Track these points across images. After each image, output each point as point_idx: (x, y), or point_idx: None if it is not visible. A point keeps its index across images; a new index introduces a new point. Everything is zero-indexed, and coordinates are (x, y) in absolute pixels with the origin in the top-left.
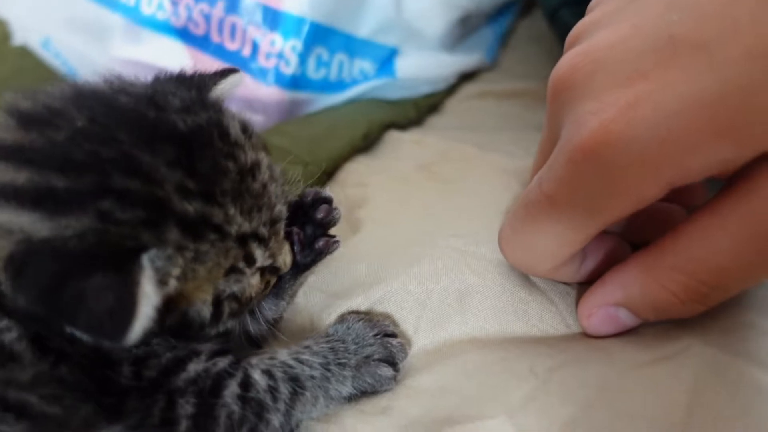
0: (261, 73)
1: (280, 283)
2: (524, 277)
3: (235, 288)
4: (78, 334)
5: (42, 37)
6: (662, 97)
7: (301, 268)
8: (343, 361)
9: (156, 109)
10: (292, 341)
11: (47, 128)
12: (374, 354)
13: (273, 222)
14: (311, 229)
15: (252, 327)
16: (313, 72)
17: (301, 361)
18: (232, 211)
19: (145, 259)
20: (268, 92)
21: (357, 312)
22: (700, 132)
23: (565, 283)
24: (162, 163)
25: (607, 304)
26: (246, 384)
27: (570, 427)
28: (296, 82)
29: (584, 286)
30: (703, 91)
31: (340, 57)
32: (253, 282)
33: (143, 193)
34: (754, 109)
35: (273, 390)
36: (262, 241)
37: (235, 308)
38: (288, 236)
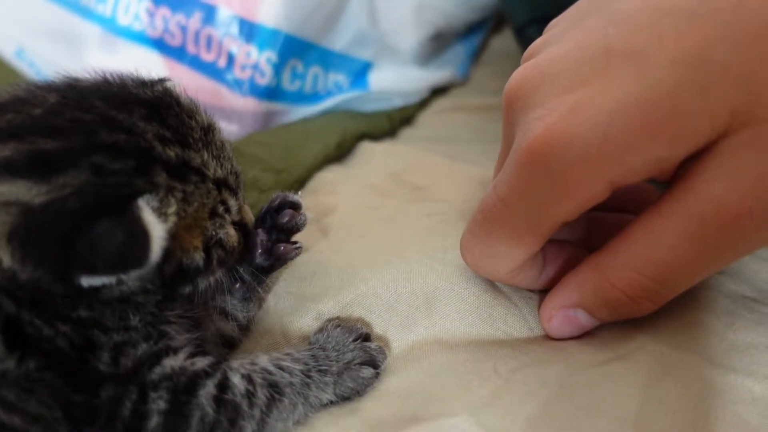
0: (236, 84)
1: (245, 284)
2: (489, 282)
3: (221, 234)
4: (104, 282)
5: (16, 47)
6: (600, 101)
7: (262, 270)
8: (324, 368)
9: (117, 86)
10: (262, 341)
11: (22, 108)
12: (355, 359)
13: (236, 174)
14: (275, 233)
15: (224, 326)
16: (288, 84)
17: (281, 368)
18: (206, 156)
19: (142, 201)
20: (244, 103)
21: (333, 319)
22: (634, 132)
23: (529, 289)
24: (138, 119)
25: (565, 306)
26: (223, 386)
27: (532, 423)
28: (271, 93)
29: (546, 291)
30: (636, 94)
31: (314, 69)
32: (231, 232)
33: (130, 145)
34: (681, 110)
35: (250, 395)
36: (233, 191)
37: (221, 256)
38: (251, 238)
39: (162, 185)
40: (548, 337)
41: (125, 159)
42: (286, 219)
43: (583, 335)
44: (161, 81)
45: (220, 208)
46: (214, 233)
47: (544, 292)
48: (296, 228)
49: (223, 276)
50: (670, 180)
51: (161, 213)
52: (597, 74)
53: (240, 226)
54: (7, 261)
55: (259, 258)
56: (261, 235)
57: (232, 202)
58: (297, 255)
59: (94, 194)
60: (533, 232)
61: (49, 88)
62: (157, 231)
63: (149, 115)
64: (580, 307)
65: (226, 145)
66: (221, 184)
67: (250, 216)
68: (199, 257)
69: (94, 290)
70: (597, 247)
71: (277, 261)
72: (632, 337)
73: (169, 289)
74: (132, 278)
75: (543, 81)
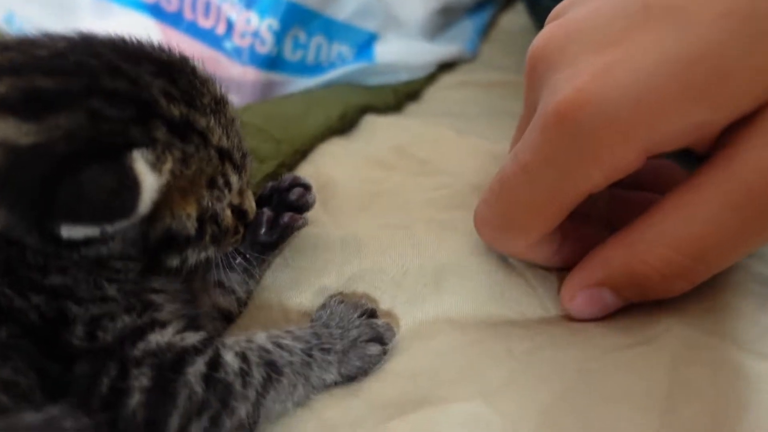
0: (236, 52)
1: (248, 261)
2: (502, 259)
3: (217, 208)
4: (85, 234)
5: (5, 12)
6: (636, 60)
7: (267, 246)
8: (328, 346)
9: (132, 43)
10: (259, 316)
11: (27, 49)
12: (361, 336)
13: (244, 154)
14: (282, 210)
15: (222, 301)
16: (289, 53)
17: (280, 346)
18: (212, 122)
19: (136, 153)
20: (243, 72)
21: (337, 294)
22: (673, 94)
23: (544, 268)
24: (146, 72)
25: (590, 285)
26: (215, 363)
27: (550, 409)
28: (272, 63)
29: (561, 270)
30: (676, 53)
31: (318, 39)
32: (228, 214)
33: (132, 94)
34: (728, 70)
35: (245, 374)
36: (237, 168)
37: (216, 232)
38: (257, 216)
39: (160, 140)
40: (565, 319)
41: (125, 107)
42: (295, 196)
43: (603, 318)
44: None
45: (220, 180)
46: (209, 205)
47: (559, 270)
48: (305, 206)
49: (217, 256)
50: (710, 149)
51: (155, 168)
52: (632, 32)
53: (239, 213)
54: None
55: (264, 235)
56: (266, 213)
57: (234, 179)
58: (303, 225)
59: (85, 139)
60: (556, 204)
61: (62, 36)
62: (149, 182)
63: (159, 71)
64: (606, 286)
65: (236, 122)
66: (225, 154)
67: (252, 205)
68: (191, 226)
69: (73, 247)
70: (617, 226)
71: (283, 232)
72: (657, 320)
73: (154, 259)
74: (116, 231)
75: (572, 40)
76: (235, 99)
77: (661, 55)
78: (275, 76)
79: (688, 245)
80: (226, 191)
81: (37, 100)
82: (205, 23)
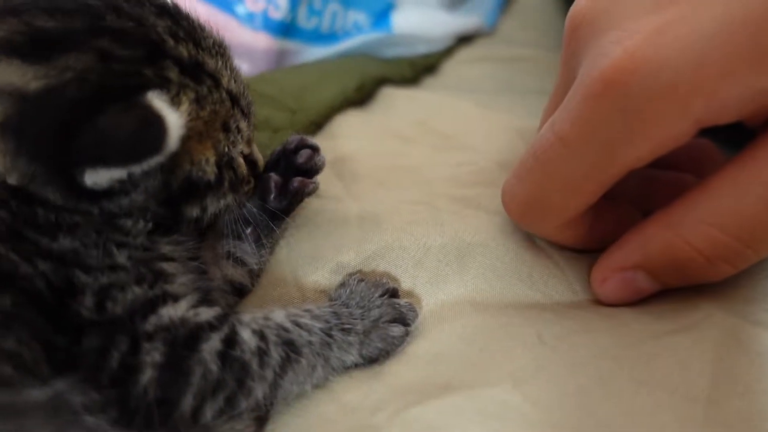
0: (248, 18)
1: (259, 229)
2: (529, 238)
3: (233, 153)
4: (112, 177)
5: None
6: (696, 19)
7: (277, 214)
8: (348, 326)
9: None
10: (273, 292)
11: None
12: (383, 316)
13: (249, 102)
14: (291, 175)
15: (234, 273)
16: (304, 20)
17: (299, 325)
18: (220, 64)
19: (152, 95)
20: (255, 38)
21: (356, 273)
22: (738, 56)
23: (573, 250)
24: (149, 13)
25: (624, 267)
26: (231, 341)
27: (583, 397)
28: (286, 30)
29: (593, 254)
30: (743, 11)
31: (333, 6)
32: (241, 161)
33: (139, 34)
34: None
35: (262, 353)
36: (245, 115)
37: (233, 179)
38: (265, 181)
39: (174, 81)
40: (596, 303)
41: (134, 47)
42: (302, 159)
43: (636, 303)
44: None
45: (233, 124)
46: (226, 150)
47: (588, 252)
48: (314, 169)
49: (234, 206)
50: (765, 124)
51: (173, 109)
52: None
53: (249, 163)
54: None
55: (273, 201)
56: (274, 178)
57: (244, 125)
58: (315, 190)
59: (98, 81)
60: (595, 180)
61: None
62: (173, 118)
63: (161, 12)
64: (641, 269)
65: (239, 71)
66: (234, 98)
67: (260, 156)
68: (210, 171)
69: (94, 199)
70: (648, 207)
71: (293, 198)
72: (696, 307)
73: (175, 210)
74: (142, 178)
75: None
76: (246, 67)
77: (726, 13)
78: (288, 44)
79: (737, 225)
80: (239, 137)
81: (41, 40)
82: None
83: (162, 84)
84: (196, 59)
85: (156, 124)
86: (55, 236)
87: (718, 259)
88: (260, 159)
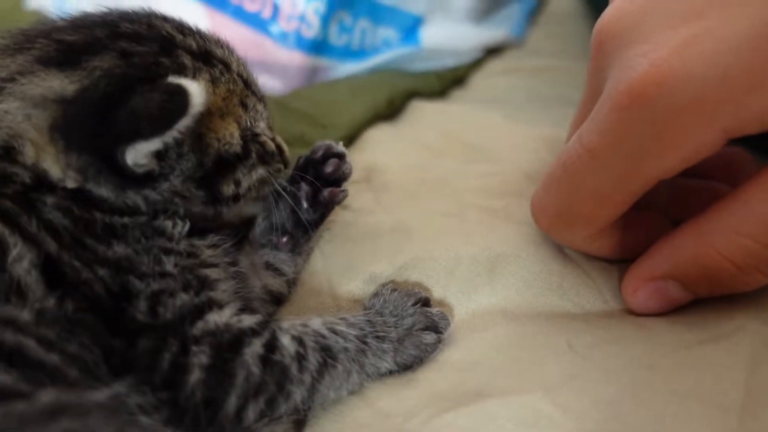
0: (282, 37)
1: (295, 239)
2: (558, 249)
3: (257, 128)
4: (151, 150)
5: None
6: (721, 33)
7: (311, 224)
8: (382, 334)
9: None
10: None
11: (45, 23)
12: (416, 324)
13: (263, 95)
14: (320, 184)
15: (272, 282)
16: (335, 38)
17: (335, 332)
18: (227, 53)
19: (171, 77)
20: (289, 56)
21: (389, 283)
22: (763, 69)
23: (603, 259)
24: (155, 18)
25: (656, 277)
26: (271, 346)
27: (615, 406)
28: (318, 48)
29: (624, 263)
30: (766, 24)
31: (363, 23)
32: (266, 138)
33: (152, 33)
34: None
35: (301, 358)
36: (259, 99)
37: (260, 152)
38: (296, 193)
39: (189, 66)
40: (627, 313)
41: (149, 44)
42: (331, 169)
43: (668, 312)
44: None
45: (250, 103)
46: (248, 124)
47: (619, 262)
48: (342, 177)
49: (268, 179)
50: None
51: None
52: (716, 2)
53: (278, 148)
54: (54, 171)
55: (306, 213)
56: (305, 188)
57: (260, 107)
58: (343, 198)
59: (123, 74)
60: (623, 191)
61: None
62: (193, 86)
63: (166, 18)
64: (673, 279)
65: (246, 62)
66: (246, 81)
67: (284, 144)
68: (236, 143)
69: (138, 185)
70: (678, 217)
71: (325, 208)
72: (729, 316)
73: (212, 191)
74: (179, 144)
75: (647, 13)
76: (279, 84)
77: (751, 27)
78: (320, 61)
79: None
80: (258, 115)
81: (70, 51)
82: (251, 7)
83: (179, 69)
84: (204, 48)
85: (179, 92)
86: (110, 243)
87: (750, 268)
88: (285, 146)
